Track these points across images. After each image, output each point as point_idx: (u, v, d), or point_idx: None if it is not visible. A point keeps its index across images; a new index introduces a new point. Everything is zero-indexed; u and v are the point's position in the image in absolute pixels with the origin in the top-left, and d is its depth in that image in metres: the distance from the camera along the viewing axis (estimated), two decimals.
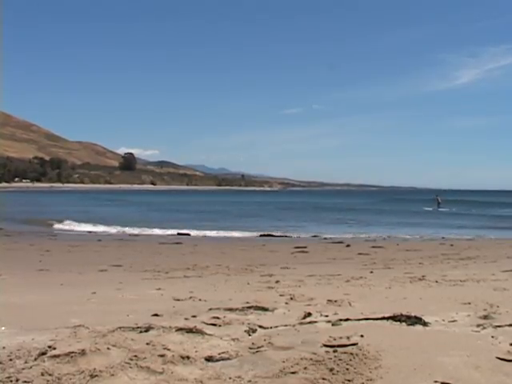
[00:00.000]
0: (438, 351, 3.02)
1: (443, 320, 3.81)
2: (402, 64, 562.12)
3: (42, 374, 2.64)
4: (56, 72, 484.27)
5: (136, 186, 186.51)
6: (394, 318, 3.75)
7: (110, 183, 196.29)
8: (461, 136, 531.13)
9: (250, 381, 2.68)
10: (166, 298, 5.18)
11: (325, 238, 18.16)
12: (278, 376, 2.70)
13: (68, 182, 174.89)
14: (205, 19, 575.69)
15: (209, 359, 2.94)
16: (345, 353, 2.96)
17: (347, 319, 3.78)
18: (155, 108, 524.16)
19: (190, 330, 3.38)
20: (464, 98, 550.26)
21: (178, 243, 15.29)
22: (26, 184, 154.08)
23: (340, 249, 13.93)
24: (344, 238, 18.17)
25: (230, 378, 2.70)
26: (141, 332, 3.36)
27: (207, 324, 3.59)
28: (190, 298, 5.08)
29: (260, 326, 3.59)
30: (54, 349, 2.92)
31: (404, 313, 3.83)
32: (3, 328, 3.53)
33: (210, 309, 4.22)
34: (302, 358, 2.89)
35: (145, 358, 2.88)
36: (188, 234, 19.66)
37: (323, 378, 2.67)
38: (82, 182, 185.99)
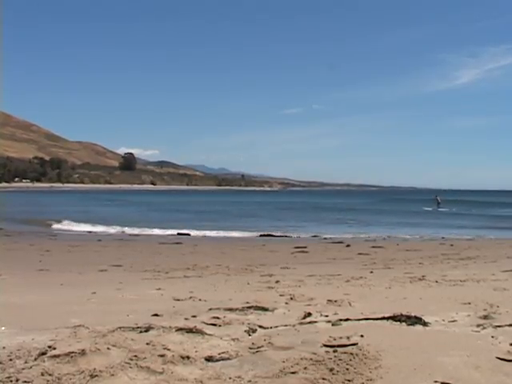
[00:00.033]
0: (438, 351, 3.02)
1: (443, 320, 3.81)
2: (401, 64, 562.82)
3: (42, 374, 2.64)
4: (56, 72, 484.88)
5: (136, 186, 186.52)
6: (394, 318, 3.75)
7: (110, 183, 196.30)
8: (461, 136, 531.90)
9: (249, 381, 2.68)
10: (166, 298, 5.18)
11: (325, 238, 18.16)
12: (277, 376, 2.70)
13: (68, 182, 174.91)
14: (205, 19, 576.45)
15: (209, 359, 2.94)
16: (345, 353, 2.96)
17: (347, 319, 3.78)
18: (155, 108, 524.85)
19: (190, 330, 3.38)
20: (464, 98, 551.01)
21: (178, 243, 15.29)
22: (26, 184, 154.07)
23: (340, 249, 13.92)
24: (344, 238, 18.17)
25: (229, 378, 2.70)
26: (141, 332, 3.36)
27: (207, 324, 3.59)
28: (190, 297, 5.08)
29: (260, 326, 3.59)
30: (54, 349, 2.92)
31: (404, 313, 3.83)
32: (3, 328, 3.53)
33: (210, 309, 4.22)
34: (302, 358, 2.89)
35: (145, 358, 2.88)
36: (188, 234, 19.66)
37: (323, 378, 2.67)
38: (82, 182, 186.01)
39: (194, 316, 3.89)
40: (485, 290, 5.40)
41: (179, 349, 3.03)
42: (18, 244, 14.30)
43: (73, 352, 2.85)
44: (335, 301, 4.61)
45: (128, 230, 21.04)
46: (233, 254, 12.38)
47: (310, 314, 4.00)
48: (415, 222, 28.45)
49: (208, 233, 20.26)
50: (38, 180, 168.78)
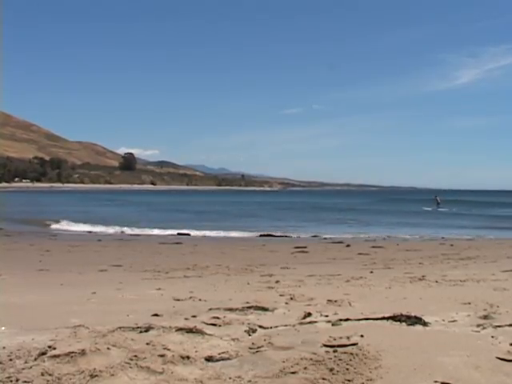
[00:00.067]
0: (438, 351, 3.02)
1: (443, 320, 3.81)
2: (402, 64, 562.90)
3: (42, 374, 2.64)
4: (56, 72, 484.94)
5: (136, 186, 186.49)
6: (394, 318, 3.75)
7: (110, 183, 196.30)
8: (461, 136, 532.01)
9: (250, 381, 2.68)
10: (166, 298, 5.18)
11: (325, 238, 18.16)
12: (278, 376, 2.70)
13: (68, 182, 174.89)
14: (205, 19, 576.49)
15: (209, 359, 2.94)
16: (345, 353, 2.96)
17: (347, 319, 3.78)
18: (155, 108, 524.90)
19: (190, 330, 3.38)
20: (464, 98, 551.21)
21: (177, 243, 15.29)
22: (26, 184, 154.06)
23: (340, 249, 13.92)
24: (344, 238, 18.16)
25: (229, 378, 2.70)
26: (141, 332, 3.36)
27: (207, 324, 3.59)
28: (190, 297, 5.08)
29: (260, 326, 3.59)
30: (54, 349, 2.92)
31: (404, 313, 3.83)
32: (3, 328, 3.53)
33: (210, 309, 4.22)
34: (302, 358, 2.89)
35: (145, 357, 2.88)
36: (188, 234, 19.65)
37: (323, 378, 2.67)
38: (82, 182, 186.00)
39: (194, 316, 3.89)
40: (485, 290, 5.40)
41: (179, 349, 3.03)
42: (17, 244, 14.29)
43: (73, 352, 2.85)
44: (335, 301, 4.61)
45: (128, 230, 21.03)
46: (233, 253, 12.38)
47: (309, 314, 4.00)
48: (415, 222, 28.44)
49: (208, 233, 20.25)
50: (38, 180, 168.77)
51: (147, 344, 3.07)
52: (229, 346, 3.15)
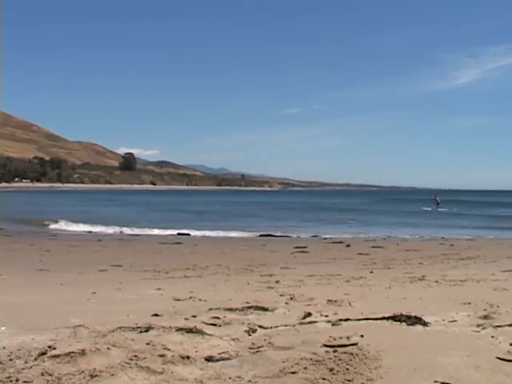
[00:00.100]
0: (438, 351, 3.02)
1: (443, 320, 3.81)
2: (402, 64, 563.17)
3: (42, 374, 2.64)
4: (56, 72, 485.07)
5: (136, 186, 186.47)
6: (394, 318, 3.75)
7: (110, 183, 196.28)
8: (461, 136, 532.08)
9: (250, 381, 2.68)
10: (166, 297, 5.18)
11: (325, 238, 18.16)
12: (278, 376, 2.70)
13: (68, 182, 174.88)
14: (205, 19, 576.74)
15: (209, 359, 2.94)
16: (345, 353, 2.96)
17: (347, 319, 3.78)
18: (155, 108, 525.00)
19: (190, 330, 3.38)
20: (464, 98, 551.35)
21: (177, 243, 15.28)
22: (26, 184, 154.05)
23: (340, 249, 13.92)
24: (344, 238, 18.16)
25: (229, 378, 2.70)
26: (141, 332, 3.36)
27: (207, 324, 3.59)
28: (190, 297, 5.08)
29: (260, 326, 3.59)
30: (54, 349, 2.92)
31: (404, 313, 3.83)
32: (3, 328, 3.53)
33: (210, 309, 4.22)
34: (302, 358, 2.89)
35: (145, 357, 2.88)
36: (188, 234, 19.65)
37: (323, 378, 2.67)
38: (82, 182, 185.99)
39: (194, 316, 3.89)
40: (485, 290, 5.40)
41: (179, 349, 3.03)
42: (18, 244, 14.29)
43: (73, 352, 2.85)
44: (335, 301, 4.61)
45: (127, 230, 21.02)
46: (233, 253, 12.37)
47: (309, 314, 4.00)
48: (415, 222, 28.44)
49: (208, 233, 20.25)
50: (38, 180, 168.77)
51: (147, 344, 3.07)
52: (229, 345, 3.15)
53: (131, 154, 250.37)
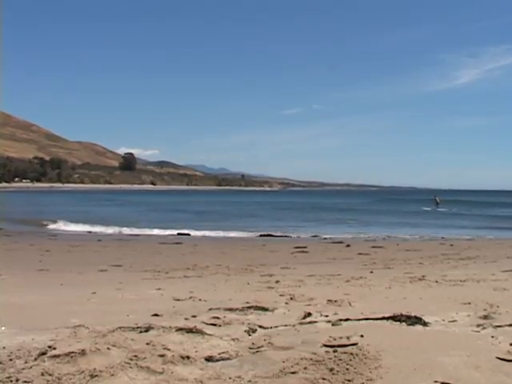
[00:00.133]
0: (438, 351, 3.02)
1: (443, 320, 3.81)
2: (402, 64, 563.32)
3: (42, 374, 2.64)
4: (56, 72, 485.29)
5: (136, 186, 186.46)
6: (394, 318, 3.75)
7: (110, 183, 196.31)
8: (461, 136, 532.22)
9: (250, 381, 2.68)
10: (166, 298, 5.18)
11: (325, 238, 18.16)
12: (278, 376, 2.70)
13: (68, 182, 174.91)
14: (205, 19, 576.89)
15: (209, 359, 2.94)
16: (345, 353, 2.96)
17: (347, 319, 3.78)
18: (155, 108, 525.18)
19: (190, 330, 3.38)
20: (464, 98, 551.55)
21: (177, 243, 15.28)
22: (26, 184, 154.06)
23: (340, 249, 13.92)
24: (344, 238, 18.16)
25: (229, 378, 2.70)
26: (141, 332, 3.36)
27: (207, 324, 3.59)
28: (190, 297, 5.08)
29: (260, 326, 3.59)
30: (54, 349, 2.92)
31: (404, 313, 3.83)
32: (3, 328, 3.53)
33: (210, 309, 4.22)
34: (302, 358, 2.89)
35: (145, 357, 2.87)
36: (188, 234, 19.65)
37: (323, 378, 2.67)
38: (82, 182, 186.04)
39: (194, 316, 3.89)
40: (485, 290, 5.40)
41: (179, 349, 3.03)
42: (18, 244, 14.29)
43: (73, 352, 2.85)
44: (335, 301, 4.61)
45: (127, 230, 21.02)
46: (233, 253, 12.37)
47: (309, 314, 4.00)
48: (415, 222, 28.45)
49: (208, 233, 20.26)
50: (38, 180, 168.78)
51: (147, 344, 3.07)
52: (229, 345, 3.15)
53: (131, 154, 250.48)
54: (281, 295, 5.10)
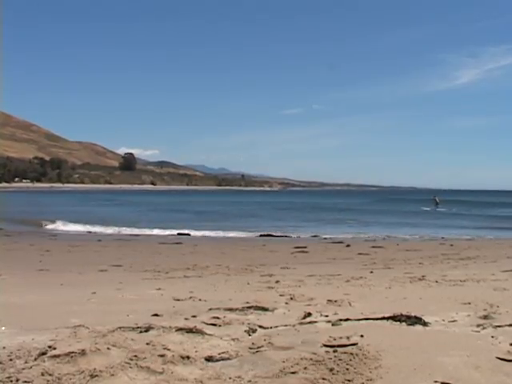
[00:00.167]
0: (438, 351, 3.02)
1: (443, 320, 3.81)
2: (402, 64, 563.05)
3: (42, 374, 2.64)
4: (56, 72, 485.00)
5: (136, 186, 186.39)
6: (394, 318, 3.75)
7: (110, 183, 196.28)
8: (461, 136, 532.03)
9: (250, 381, 2.68)
10: (166, 297, 5.18)
11: (325, 238, 18.16)
12: (278, 376, 2.71)
13: (68, 182, 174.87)
14: (205, 19, 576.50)
15: (209, 359, 2.94)
16: (345, 353, 2.96)
17: (347, 319, 3.78)
18: (155, 108, 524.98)
19: (190, 330, 3.38)
20: (464, 98, 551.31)
21: (177, 243, 15.29)
22: (26, 184, 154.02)
23: (340, 249, 13.92)
24: (344, 238, 18.17)
25: (229, 378, 2.70)
26: (141, 332, 3.36)
27: (207, 324, 3.59)
28: (190, 297, 5.08)
29: (260, 326, 3.59)
30: (54, 349, 2.92)
31: (404, 313, 3.83)
32: (3, 328, 3.53)
33: (210, 309, 4.22)
34: (302, 358, 2.89)
35: (145, 357, 2.88)
36: (188, 234, 19.66)
37: (323, 378, 2.67)
38: (82, 182, 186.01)
39: (194, 316, 3.89)
40: (485, 290, 5.40)
41: (179, 349, 3.03)
42: (18, 244, 14.30)
43: (73, 352, 2.85)
44: (335, 301, 4.61)
45: (126, 231, 21.01)
46: (233, 253, 12.38)
47: (309, 314, 4.00)
48: (415, 222, 28.46)
49: (208, 233, 20.27)
50: (38, 180, 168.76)
51: (147, 344, 3.07)
52: (229, 345, 3.15)
53: (131, 154, 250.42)
54: (281, 295, 5.10)
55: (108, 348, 2.96)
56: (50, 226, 22.77)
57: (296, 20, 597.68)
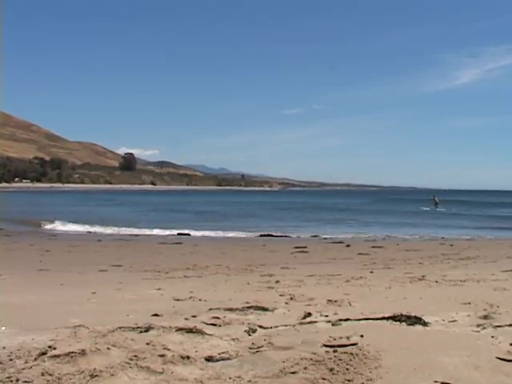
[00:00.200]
0: (438, 351, 3.02)
1: (443, 320, 3.81)
2: (402, 64, 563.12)
3: (42, 374, 2.64)
4: (56, 72, 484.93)
5: (136, 186, 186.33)
6: (394, 318, 3.75)
7: (110, 183, 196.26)
8: (461, 136, 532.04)
9: (250, 381, 2.68)
10: (166, 298, 5.18)
11: (325, 238, 18.16)
12: (278, 376, 2.71)
13: (68, 182, 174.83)
14: (205, 19, 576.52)
15: (209, 359, 2.94)
16: (345, 353, 2.96)
17: (347, 319, 3.78)
18: (155, 108, 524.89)
19: (190, 330, 3.38)
20: (464, 98, 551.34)
21: (177, 243, 15.28)
22: (26, 184, 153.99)
23: (340, 249, 13.92)
24: (344, 238, 18.17)
25: (229, 378, 2.70)
26: (141, 332, 3.36)
27: (207, 324, 3.59)
28: (190, 297, 5.08)
29: (260, 326, 3.59)
30: (54, 349, 2.92)
31: (404, 313, 3.83)
32: (3, 328, 3.53)
33: (210, 309, 4.22)
34: (302, 358, 2.89)
35: (145, 357, 2.88)
36: (188, 234, 19.66)
37: (323, 378, 2.67)
38: (83, 182, 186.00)
39: (194, 316, 3.89)
40: (485, 290, 5.40)
41: (179, 349, 3.03)
42: (18, 244, 14.30)
43: (73, 352, 2.85)
44: (335, 301, 4.61)
45: (127, 230, 21.01)
46: (233, 253, 12.38)
47: (310, 314, 4.00)
48: (415, 222, 28.47)
49: (208, 233, 20.27)
50: (38, 180, 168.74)
51: (147, 344, 3.07)
52: (229, 345, 3.15)
53: (131, 154, 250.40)
54: (281, 295, 5.10)
55: (108, 348, 2.96)
56: (48, 226, 22.75)
57: (296, 20, 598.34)
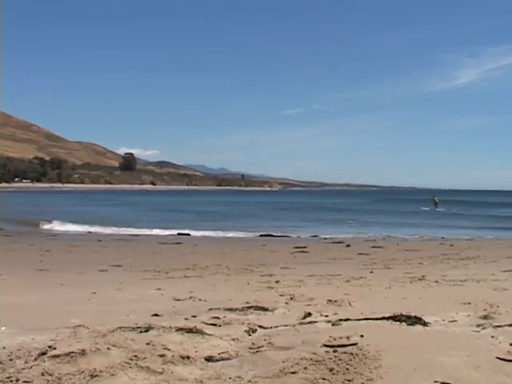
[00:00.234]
0: (438, 351, 3.02)
1: (443, 320, 3.81)
2: (402, 64, 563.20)
3: (42, 374, 2.64)
4: (56, 72, 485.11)
5: (136, 186, 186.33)
6: (394, 318, 3.75)
7: (110, 183, 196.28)
8: (461, 136, 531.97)
9: (250, 381, 2.68)
10: (166, 298, 5.18)
11: (325, 238, 18.16)
12: (278, 376, 2.70)
13: (68, 182, 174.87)
14: (205, 19, 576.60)
15: (209, 359, 2.94)
16: (345, 353, 2.96)
17: (347, 319, 3.78)
18: (155, 108, 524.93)
19: (190, 330, 3.38)
20: (464, 98, 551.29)
21: (177, 243, 15.28)
22: (26, 184, 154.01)
23: (340, 249, 13.92)
24: (344, 238, 18.17)
25: (230, 378, 2.70)
26: (141, 332, 3.36)
27: (207, 324, 3.59)
28: (190, 297, 5.08)
29: (260, 326, 3.59)
30: (54, 349, 2.92)
31: (404, 313, 3.83)
32: (3, 328, 3.53)
33: (210, 309, 4.22)
34: (302, 358, 2.89)
35: (145, 357, 2.88)
36: (188, 234, 19.66)
37: (323, 378, 2.67)
38: (83, 182, 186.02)
39: (194, 316, 3.89)
40: (485, 290, 5.40)
41: (179, 349, 3.03)
42: (18, 244, 14.30)
43: (73, 352, 2.85)
44: (335, 301, 4.61)
45: (127, 230, 21.00)
46: (233, 254, 12.38)
47: (310, 314, 4.00)
48: (415, 222, 28.47)
49: (208, 233, 20.27)
50: (38, 180, 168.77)
51: (147, 344, 3.07)
52: (229, 345, 3.15)
53: (131, 154, 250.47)
54: (281, 295, 5.10)
55: (108, 348, 2.96)
56: (46, 226, 22.73)
57: (296, 20, 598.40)
